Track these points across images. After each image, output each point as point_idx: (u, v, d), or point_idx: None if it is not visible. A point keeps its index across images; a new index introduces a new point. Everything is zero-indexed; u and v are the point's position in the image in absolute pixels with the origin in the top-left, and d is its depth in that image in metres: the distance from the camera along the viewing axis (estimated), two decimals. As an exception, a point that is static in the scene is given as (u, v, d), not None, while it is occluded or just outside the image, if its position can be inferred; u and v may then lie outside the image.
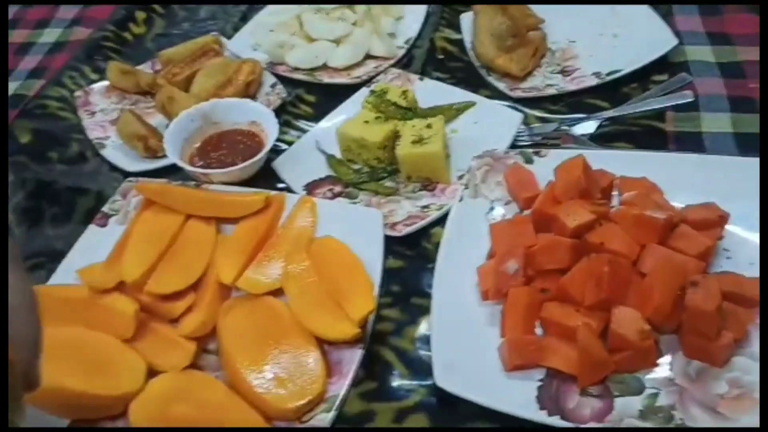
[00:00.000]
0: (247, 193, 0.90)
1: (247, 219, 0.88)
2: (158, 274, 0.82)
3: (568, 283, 0.72)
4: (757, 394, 0.64)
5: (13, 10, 1.42)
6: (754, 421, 0.62)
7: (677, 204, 0.79)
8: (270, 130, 0.97)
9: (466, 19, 1.17)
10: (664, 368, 0.68)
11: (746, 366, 0.67)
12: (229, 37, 1.22)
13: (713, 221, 0.76)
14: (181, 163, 0.93)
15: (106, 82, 1.14)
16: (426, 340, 0.76)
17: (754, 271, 0.73)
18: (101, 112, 1.10)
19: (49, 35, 1.33)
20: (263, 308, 0.79)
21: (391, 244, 0.85)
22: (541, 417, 0.66)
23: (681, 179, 0.81)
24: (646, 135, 0.94)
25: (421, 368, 0.74)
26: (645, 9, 1.11)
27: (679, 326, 0.69)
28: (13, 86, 1.21)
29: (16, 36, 1.34)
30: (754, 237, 0.76)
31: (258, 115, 0.99)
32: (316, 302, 0.77)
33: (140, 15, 1.32)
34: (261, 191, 0.90)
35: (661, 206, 0.77)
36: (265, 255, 0.85)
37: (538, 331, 0.73)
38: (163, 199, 0.89)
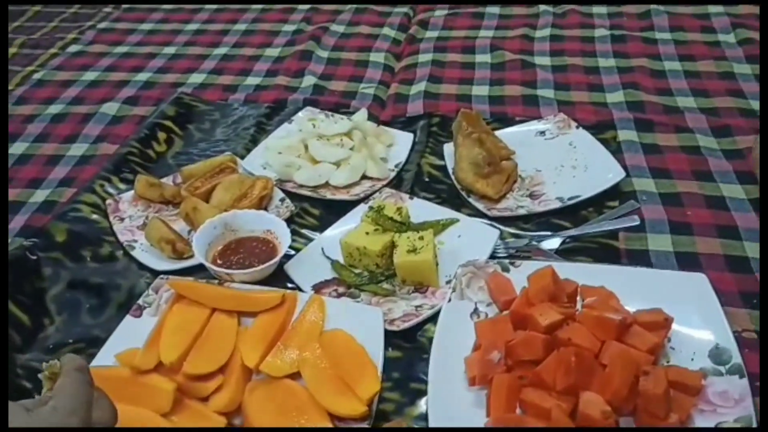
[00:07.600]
0: (264, 291, 1.05)
1: (264, 313, 1.02)
2: (191, 358, 0.95)
3: (542, 372, 0.86)
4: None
5: (42, 124, 1.57)
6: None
7: (630, 309, 0.95)
8: (283, 238, 1.12)
9: (447, 148, 1.37)
10: (623, 445, 0.83)
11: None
12: (241, 157, 1.39)
13: (660, 323, 0.92)
14: (207, 264, 1.07)
15: (132, 192, 1.29)
16: (424, 418, 0.89)
17: (694, 365, 0.89)
18: (129, 219, 1.25)
19: (77, 149, 1.48)
20: (283, 389, 0.92)
21: (391, 338, 0.99)
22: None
23: (633, 289, 0.98)
24: (602, 251, 1.10)
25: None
26: (599, 147, 1.32)
27: (634, 409, 0.84)
28: (44, 193, 1.35)
29: (45, 149, 1.49)
30: (694, 335, 0.92)
31: (272, 225, 1.15)
32: (328, 384, 0.90)
33: (161, 135, 1.48)
34: (276, 290, 1.05)
35: (617, 310, 0.93)
36: (282, 345, 0.98)
37: (518, 411, 0.87)
38: (192, 295, 1.03)
